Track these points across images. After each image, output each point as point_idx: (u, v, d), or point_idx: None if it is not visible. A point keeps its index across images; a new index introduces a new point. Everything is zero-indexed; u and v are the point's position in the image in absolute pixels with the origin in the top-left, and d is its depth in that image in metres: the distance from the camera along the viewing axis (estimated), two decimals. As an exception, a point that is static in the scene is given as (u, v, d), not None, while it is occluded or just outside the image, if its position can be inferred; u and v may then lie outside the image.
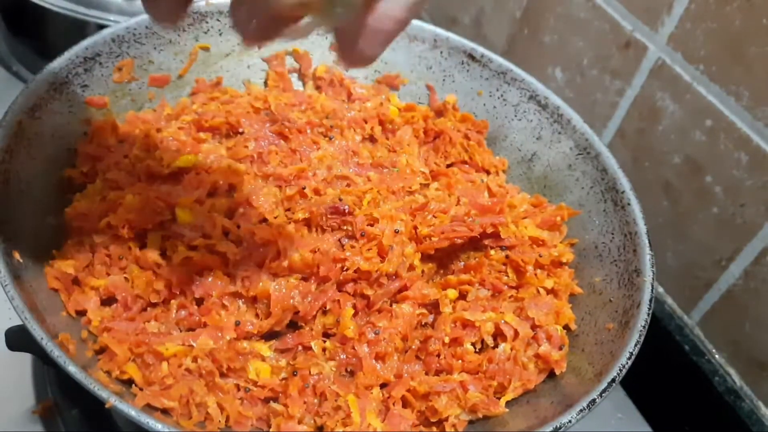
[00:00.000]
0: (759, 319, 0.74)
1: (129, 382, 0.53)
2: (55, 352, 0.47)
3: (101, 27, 0.72)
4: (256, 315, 0.58)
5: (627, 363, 0.54)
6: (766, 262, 0.72)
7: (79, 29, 0.90)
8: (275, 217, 0.62)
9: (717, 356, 0.79)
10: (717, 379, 0.77)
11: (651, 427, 0.78)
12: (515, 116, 0.78)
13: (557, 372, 0.59)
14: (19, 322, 0.50)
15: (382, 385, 0.57)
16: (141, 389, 0.52)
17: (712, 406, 0.77)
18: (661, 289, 0.83)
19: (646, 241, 0.63)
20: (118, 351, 0.52)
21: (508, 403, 0.57)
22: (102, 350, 0.54)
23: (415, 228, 0.64)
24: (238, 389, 0.54)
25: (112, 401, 0.45)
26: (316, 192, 0.65)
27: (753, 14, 0.68)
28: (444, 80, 0.81)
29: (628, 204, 0.66)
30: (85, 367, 0.48)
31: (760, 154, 0.70)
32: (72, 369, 0.46)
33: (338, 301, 0.59)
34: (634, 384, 0.77)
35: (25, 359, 0.68)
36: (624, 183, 0.68)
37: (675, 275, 0.82)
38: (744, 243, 0.73)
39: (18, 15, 0.97)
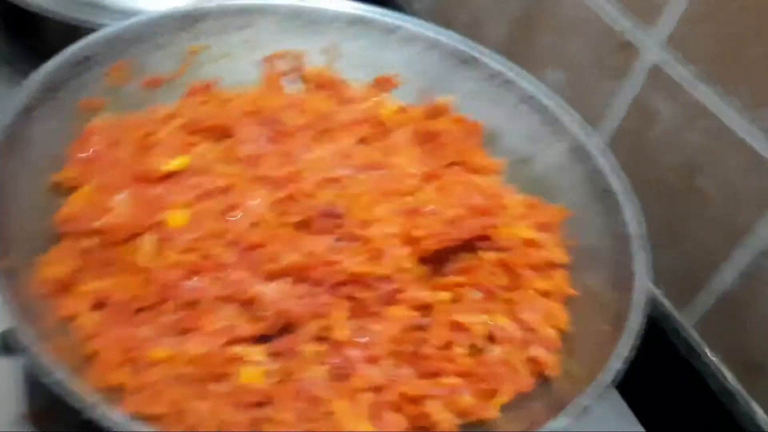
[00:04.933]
0: (755, 320, 0.73)
1: (118, 388, 0.52)
2: (42, 359, 0.46)
3: (95, 30, 0.71)
4: (248, 319, 0.57)
5: (622, 367, 0.54)
6: (762, 264, 0.71)
7: (75, 32, 0.90)
8: (268, 221, 0.62)
9: (713, 357, 0.78)
10: (712, 380, 0.77)
11: (645, 428, 0.78)
12: (511, 117, 0.78)
13: (550, 375, 0.58)
14: (9, 327, 0.49)
15: (374, 389, 0.57)
16: (130, 395, 0.51)
17: (707, 408, 0.77)
18: (656, 290, 0.83)
19: (641, 244, 0.63)
20: (107, 357, 0.52)
21: (500, 407, 0.56)
22: (91, 355, 0.53)
23: (409, 230, 0.63)
24: (229, 394, 0.54)
25: (100, 409, 0.45)
26: (309, 195, 0.65)
27: (751, 16, 0.67)
28: (440, 81, 0.81)
29: (623, 206, 0.66)
30: (74, 374, 0.48)
31: (756, 157, 0.70)
32: (59, 376, 0.46)
33: (331, 304, 0.58)
34: (628, 385, 0.76)
35: (17, 362, 0.68)
36: (618, 185, 0.68)
37: (670, 277, 0.81)
38: (739, 245, 0.73)
39: (15, 18, 0.97)
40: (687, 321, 0.81)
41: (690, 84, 0.74)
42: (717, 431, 0.77)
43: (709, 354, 0.78)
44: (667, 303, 0.82)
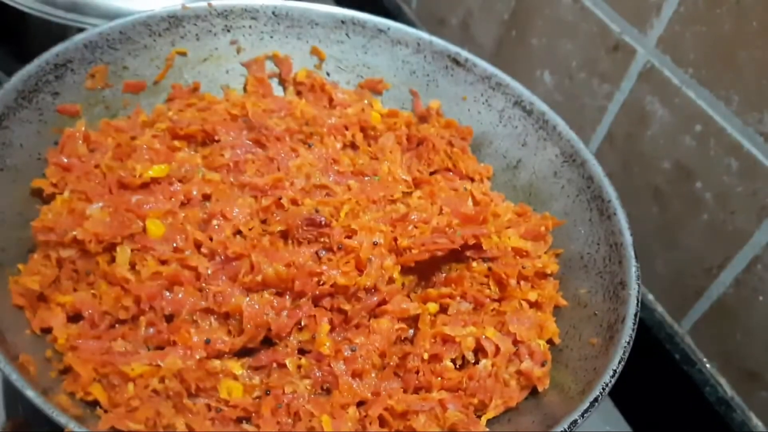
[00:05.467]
0: (750, 328, 0.72)
1: (94, 404, 0.51)
2: (13, 376, 0.45)
3: (82, 31, 0.70)
4: (228, 332, 0.56)
5: (610, 381, 0.52)
6: (757, 270, 0.70)
7: (59, 33, 0.88)
8: (250, 229, 0.61)
9: (708, 366, 0.77)
10: (708, 389, 0.75)
11: (639, 438, 0.77)
12: (500, 122, 0.76)
13: (540, 389, 0.57)
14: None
15: (359, 404, 0.55)
16: (106, 411, 0.50)
17: (702, 417, 0.76)
18: (651, 297, 0.82)
19: (632, 253, 0.61)
20: (82, 372, 0.50)
21: (488, 422, 0.55)
22: (67, 370, 0.52)
23: (395, 239, 0.62)
24: (209, 409, 0.53)
25: (71, 427, 0.44)
26: (294, 202, 0.63)
27: (742, 17, 0.66)
28: (428, 85, 0.80)
29: (614, 214, 0.64)
30: (48, 389, 0.47)
31: (750, 160, 0.68)
32: (30, 393, 0.44)
33: (314, 316, 0.57)
34: (623, 395, 0.75)
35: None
36: (610, 192, 0.66)
37: (665, 283, 0.80)
38: (735, 251, 0.72)
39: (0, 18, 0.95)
40: (682, 328, 0.79)
41: (682, 87, 0.73)
42: (712, 440, 0.76)
43: (704, 362, 0.77)
44: (660, 309, 0.81)
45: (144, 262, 0.57)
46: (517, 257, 0.63)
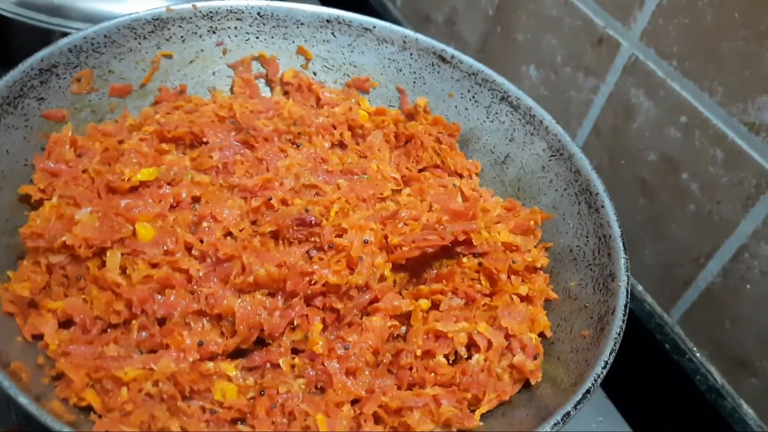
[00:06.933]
0: (738, 316, 0.73)
1: (88, 409, 0.51)
2: (6, 383, 0.45)
3: (66, 35, 0.69)
4: (221, 333, 0.56)
5: (602, 373, 0.53)
6: (744, 259, 0.71)
7: (43, 38, 0.88)
8: (240, 230, 0.61)
9: (698, 355, 0.78)
10: (698, 377, 0.76)
11: (631, 427, 0.77)
12: (487, 118, 0.77)
13: (532, 382, 0.57)
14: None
15: (353, 402, 0.55)
16: (100, 416, 0.50)
17: (693, 406, 0.77)
18: (640, 288, 0.83)
19: (621, 245, 0.62)
20: (75, 377, 0.50)
21: (482, 416, 0.55)
22: (59, 376, 0.52)
23: (386, 237, 0.62)
24: (204, 411, 0.53)
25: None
26: (284, 202, 0.63)
27: (724, 9, 0.67)
28: (414, 82, 0.80)
29: (602, 206, 0.65)
30: (41, 396, 0.47)
31: (735, 150, 0.69)
32: (23, 400, 0.44)
33: (306, 315, 0.57)
34: (615, 386, 0.76)
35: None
36: (598, 185, 0.67)
37: (654, 274, 0.81)
38: (721, 240, 0.73)
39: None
40: (671, 318, 0.80)
41: (667, 79, 0.74)
42: (703, 428, 0.76)
43: (694, 352, 0.78)
44: (650, 300, 0.82)
45: (134, 265, 0.57)
46: (507, 252, 0.64)
